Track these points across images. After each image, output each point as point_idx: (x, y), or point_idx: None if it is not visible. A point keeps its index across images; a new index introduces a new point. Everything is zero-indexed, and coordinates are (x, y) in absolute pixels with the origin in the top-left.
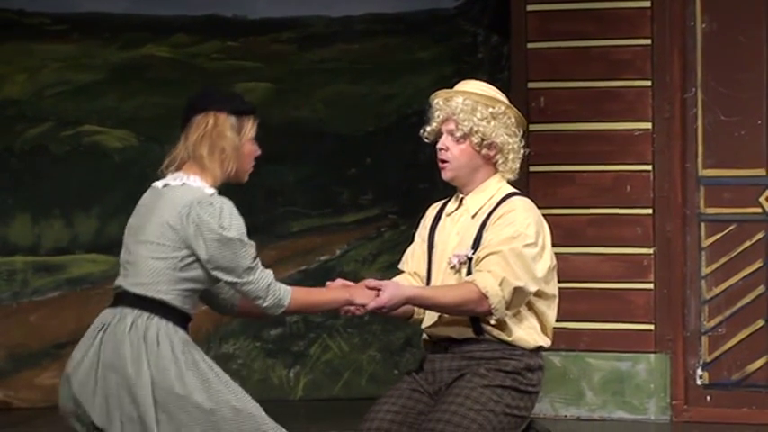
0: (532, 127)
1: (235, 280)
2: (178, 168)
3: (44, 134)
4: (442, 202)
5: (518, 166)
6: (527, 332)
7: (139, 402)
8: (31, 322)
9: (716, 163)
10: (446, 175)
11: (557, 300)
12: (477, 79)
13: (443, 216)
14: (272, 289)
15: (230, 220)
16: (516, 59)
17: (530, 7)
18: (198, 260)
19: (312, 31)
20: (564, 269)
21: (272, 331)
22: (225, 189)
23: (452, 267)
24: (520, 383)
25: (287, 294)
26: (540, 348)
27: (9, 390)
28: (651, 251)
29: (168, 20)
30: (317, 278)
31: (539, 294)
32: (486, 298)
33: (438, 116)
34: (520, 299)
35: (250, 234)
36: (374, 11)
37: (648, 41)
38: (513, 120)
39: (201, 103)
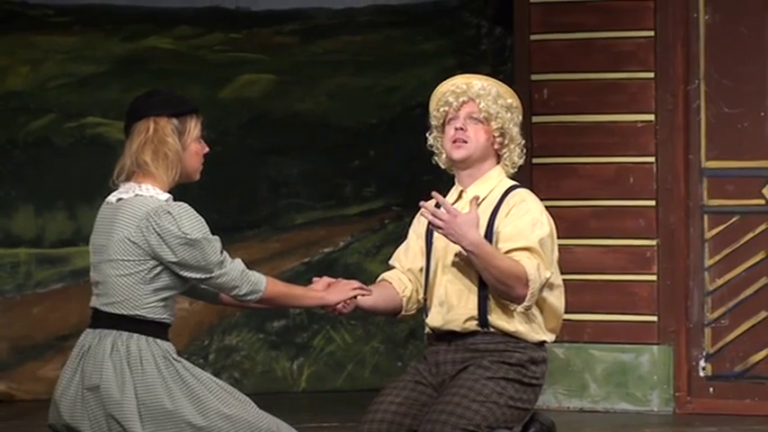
0: (536, 119)
1: (207, 276)
2: (128, 178)
3: (47, 126)
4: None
5: (521, 162)
6: (531, 326)
7: (126, 422)
8: (35, 314)
9: (719, 155)
10: (460, 154)
11: (563, 289)
12: (480, 72)
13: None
14: (246, 276)
15: (190, 223)
16: (520, 51)
17: None
18: (166, 268)
19: (315, 23)
20: (567, 261)
21: (275, 323)
22: (227, 181)
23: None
24: (524, 376)
25: (262, 279)
26: (543, 342)
27: (12, 382)
28: (654, 243)
29: (171, 11)
30: (320, 270)
31: (549, 286)
32: (528, 281)
33: (459, 99)
34: (542, 290)
35: (253, 227)
36: (377, 2)
37: (651, 33)
38: (520, 117)
39: (140, 110)
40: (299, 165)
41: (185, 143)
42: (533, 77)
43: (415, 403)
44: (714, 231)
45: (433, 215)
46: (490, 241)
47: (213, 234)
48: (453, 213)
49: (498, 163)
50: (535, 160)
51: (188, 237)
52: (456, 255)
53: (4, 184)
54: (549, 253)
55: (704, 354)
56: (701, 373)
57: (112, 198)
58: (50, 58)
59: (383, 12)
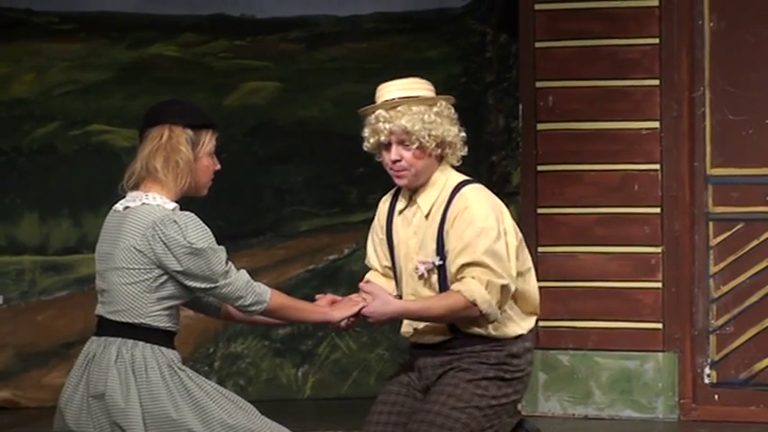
0: (540, 126)
1: (212, 286)
2: (136, 184)
3: (52, 133)
4: (390, 196)
5: (465, 151)
6: (505, 323)
7: (130, 430)
8: (39, 322)
9: (724, 162)
10: (403, 182)
11: (532, 270)
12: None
13: (395, 215)
14: (251, 286)
15: (196, 233)
16: (524, 58)
17: (538, 6)
18: (171, 277)
19: (320, 31)
20: (572, 268)
21: (280, 330)
22: (231, 188)
23: (420, 276)
24: (505, 372)
25: (266, 291)
26: (521, 335)
27: (17, 389)
28: (659, 250)
29: (176, 19)
30: (324, 277)
31: (518, 274)
32: (476, 305)
33: (385, 128)
34: (507, 295)
35: (258, 234)
36: (382, 10)
37: (656, 40)
38: (451, 109)
39: (157, 116)
40: (304, 172)
41: (197, 155)
42: (538, 84)
43: (408, 411)
44: (719, 238)
45: (353, 317)
46: (444, 258)
47: (219, 243)
48: (372, 296)
49: (441, 161)
50: (540, 167)
51: (193, 246)
52: (418, 269)
53: (8, 192)
54: (503, 257)
55: (709, 361)
56: (706, 381)
57: (119, 206)
58: (55, 65)
59: (388, 19)
